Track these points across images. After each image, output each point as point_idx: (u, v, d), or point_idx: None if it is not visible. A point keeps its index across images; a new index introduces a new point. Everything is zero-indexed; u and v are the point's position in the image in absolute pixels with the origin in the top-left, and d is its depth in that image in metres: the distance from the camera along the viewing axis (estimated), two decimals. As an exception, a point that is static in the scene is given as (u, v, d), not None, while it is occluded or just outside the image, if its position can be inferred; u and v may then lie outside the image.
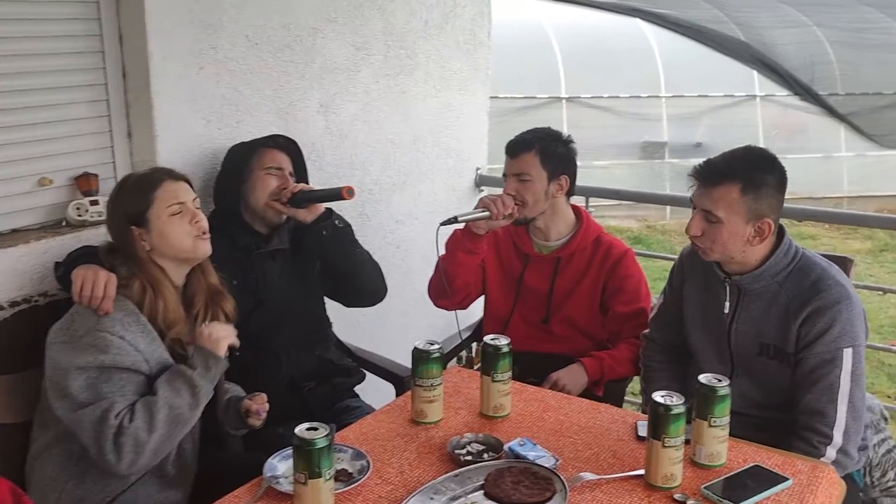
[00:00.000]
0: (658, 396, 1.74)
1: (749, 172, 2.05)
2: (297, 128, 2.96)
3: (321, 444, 1.60)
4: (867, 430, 3.31)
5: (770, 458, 1.86)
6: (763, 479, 1.76)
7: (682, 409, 1.72)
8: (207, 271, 2.14)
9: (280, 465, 1.81)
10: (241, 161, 2.50)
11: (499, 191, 2.70)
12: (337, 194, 2.47)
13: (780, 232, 2.14)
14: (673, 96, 10.39)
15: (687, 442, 1.83)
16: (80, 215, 2.35)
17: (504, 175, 2.68)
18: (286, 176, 2.51)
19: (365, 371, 2.75)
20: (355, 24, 3.11)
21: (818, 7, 12.50)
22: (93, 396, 1.86)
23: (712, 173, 2.07)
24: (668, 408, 1.71)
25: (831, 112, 10.41)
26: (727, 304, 2.18)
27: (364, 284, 2.65)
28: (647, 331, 2.49)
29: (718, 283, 2.20)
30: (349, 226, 2.60)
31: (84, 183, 2.39)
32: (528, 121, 10.17)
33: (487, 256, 2.75)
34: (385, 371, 2.72)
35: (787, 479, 1.76)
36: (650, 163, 10.34)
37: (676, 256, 2.45)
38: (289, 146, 2.59)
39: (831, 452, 2.02)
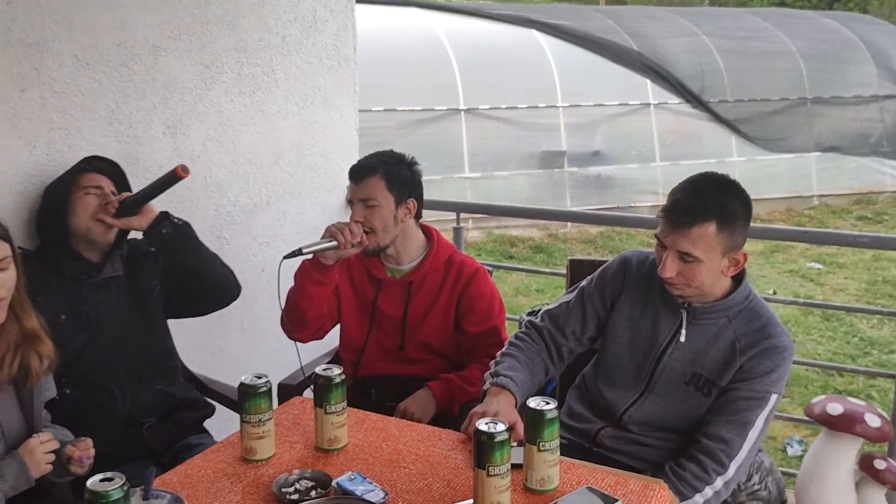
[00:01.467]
0: (482, 424, 1.68)
1: (722, 208, 1.99)
2: (140, 150, 2.83)
3: (115, 496, 1.48)
4: None
5: (604, 479, 1.82)
6: (591, 502, 1.71)
7: (505, 437, 1.66)
8: (23, 316, 2.00)
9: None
10: (58, 190, 2.36)
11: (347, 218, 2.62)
12: (171, 177, 2.37)
13: (742, 273, 2.12)
14: (570, 106, 10.53)
15: (520, 467, 1.78)
16: None
17: (349, 201, 2.61)
18: (107, 194, 2.38)
19: (215, 404, 2.62)
20: (202, 41, 2.99)
21: (708, 17, 12.88)
22: None
23: (686, 214, 1.99)
24: (490, 435, 1.65)
25: (719, 119, 10.70)
26: (670, 329, 2.14)
27: (217, 280, 2.55)
28: (534, 318, 2.36)
29: (667, 306, 2.15)
30: (188, 224, 2.49)
31: None
32: (428, 132, 10.25)
33: (341, 283, 2.66)
34: (235, 402, 2.59)
35: (616, 500, 1.72)
36: (550, 172, 10.44)
37: (609, 260, 2.34)
38: (107, 167, 2.46)
39: (719, 482, 2.03)
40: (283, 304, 2.58)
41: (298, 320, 2.58)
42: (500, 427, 1.67)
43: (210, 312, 2.67)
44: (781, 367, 2.06)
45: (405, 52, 10.18)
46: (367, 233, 2.50)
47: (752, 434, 2.04)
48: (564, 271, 2.74)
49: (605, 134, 10.74)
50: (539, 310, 2.50)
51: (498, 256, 8.81)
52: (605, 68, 10.84)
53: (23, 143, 2.45)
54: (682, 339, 2.13)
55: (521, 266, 7.58)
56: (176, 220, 2.42)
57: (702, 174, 2.09)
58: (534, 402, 1.77)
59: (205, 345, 3.19)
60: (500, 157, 10.40)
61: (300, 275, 2.57)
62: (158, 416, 2.41)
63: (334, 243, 2.45)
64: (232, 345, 3.32)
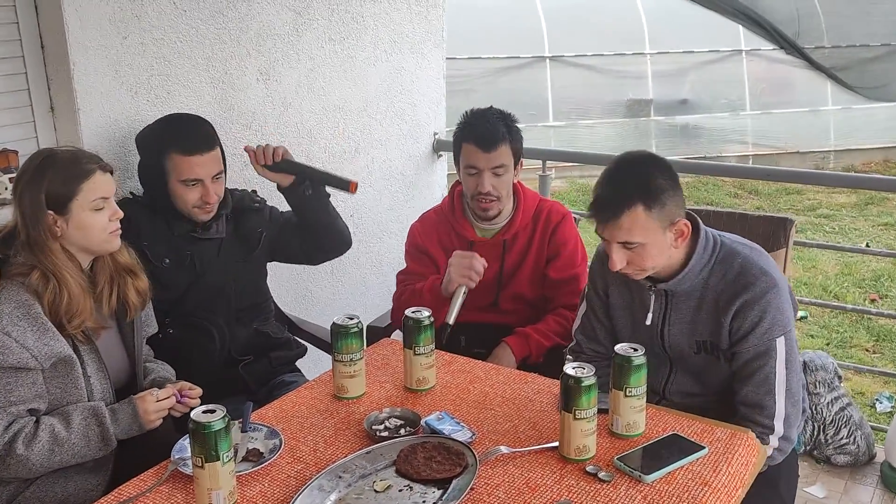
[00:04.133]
0: (569, 368, 1.70)
1: (642, 188, 1.93)
2: (234, 97, 2.89)
3: (216, 426, 1.56)
4: (820, 387, 3.29)
5: (690, 426, 1.82)
6: (678, 448, 1.73)
7: (593, 381, 1.68)
8: (116, 251, 2.08)
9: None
10: (154, 161, 2.38)
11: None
12: (341, 184, 2.53)
13: (696, 226, 2.04)
14: (658, 53, 10.26)
15: (606, 412, 1.80)
16: (-1, 193, 2.30)
17: (469, 168, 2.50)
18: (208, 189, 2.37)
19: (307, 344, 2.71)
20: (294, -12, 3.03)
21: (807, -43, 12.28)
22: None
23: (610, 207, 1.95)
24: (578, 380, 1.67)
25: (815, 66, 10.26)
26: (651, 312, 2.09)
27: (341, 234, 2.67)
28: (572, 344, 2.33)
29: (643, 291, 2.11)
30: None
31: (2, 159, 2.34)
32: (513, 80, 10.14)
33: (431, 247, 2.64)
34: (326, 343, 2.68)
35: (702, 447, 1.72)
36: (635, 121, 10.24)
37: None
38: (202, 144, 2.38)
39: (774, 441, 1.99)
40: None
41: None
42: (588, 371, 1.69)
43: (325, 261, 2.81)
44: (770, 311, 1.96)
45: (490, -4, 10.06)
46: (493, 200, 2.49)
47: (779, 385, 1.97)
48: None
49: (694, 82, 10.44)
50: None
51: (581, 206, 8.72)
52: (695, 14, 10.34)
53: (125, 89, 2.53)
54: (671, 313, 2.08)
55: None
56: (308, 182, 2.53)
57: (614, 160, 2.02)
58: (621, 348, 1.78)
59: (296, 288, 3.28)
60: (585, 105, 10.25)
61: (418, 300, 2.41)
62: (254, 354, 2.51)
63: (466, 290, 2.40)
64: (321, 288, 3.41)
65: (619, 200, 1.93)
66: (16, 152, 2.35)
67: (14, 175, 2.28)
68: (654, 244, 1.94)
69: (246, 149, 2.57)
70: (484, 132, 2.47)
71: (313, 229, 2.59)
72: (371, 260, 3.63)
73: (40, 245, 1.92)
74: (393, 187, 3.69)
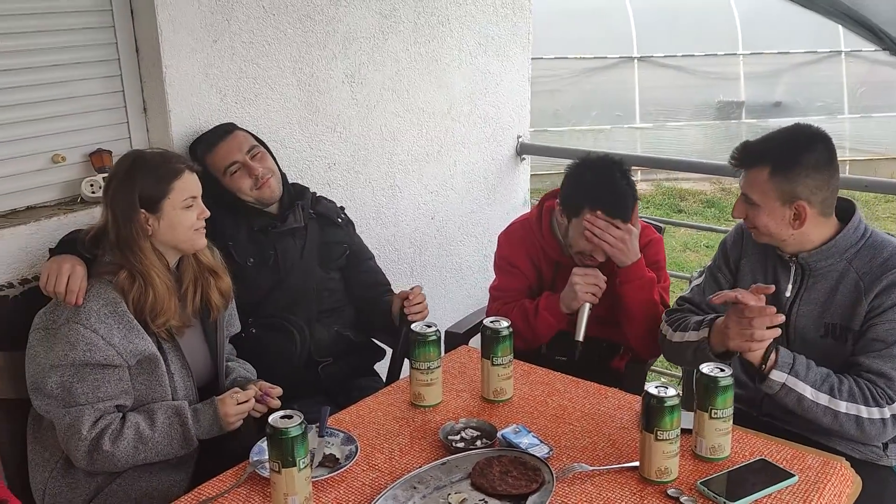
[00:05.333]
0: (651, 388, 1.64)
1: (780, 154, 1.97)
2: (320, 99, 2.92)
3: (294, 433, 1.56)
4: None
5: (780, 452, 1.75)
6: (766, 474, 1.65)
7: (676, 402, 1.62)
8: (200, 252, 2.12)
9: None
10: (204, 173, 2.36)
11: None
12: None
13: (850, 209, 2.04)
14: (751, 53, 9.97)
15: (689, 432, 1.74)
16: (93, 192, 2.37)
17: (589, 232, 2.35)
18: (248, 162, 2.44)
19: (385, 347, 2.71)
20: (381, -8, 3.04)
21: (913, -46, 11.74)
22: (65, 397, 1.89)
23: (745, 156, 2.03)
24: (661, 399, 1.62)
25: (921, 68, 9.81)
26: (790, 286, 2.08)
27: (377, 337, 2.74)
28: (673, 306, 2.33)
29: (781, 263, 2.10)
30: None
31: (97, 160, 2.40)
32: (600, 80, 10.00)
33: (521, 262, 2.56)
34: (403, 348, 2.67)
35: (792, 475, 1.65)
36: (726, 123, 9.98)
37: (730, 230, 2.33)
38: (219, 132, 2.49)
39: (886, 411, 1.92)
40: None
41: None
42: (671, 392, 1.63)
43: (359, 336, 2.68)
44: None
45: (577, -3, 9.94)
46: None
47: None
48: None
49: (789, 84, 10.11)
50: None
51: (666, 210, 8.55)
52: (792, 13, 10.09)
53: (215, 91, 2.58)
54: (805, 292, 2.06)
55: (692, 223, 7.35)
56: None
57: (789, 126, 2.05)
58: (707, 368, 1.71)
59: (375, 289, 3.29)
60: (673, 106, 10.04)
61: (534, 319, 2.45)
62: (334, 356, 2.52)
63: (591, 307, 2.37)
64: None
65: (753, 155, 2.01)
66: (110, 152, 2.41)
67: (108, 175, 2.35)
68: (768, 210, 1.99)
69: None
70: (613, 203, 2.33)
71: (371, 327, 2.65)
72: (451, 263, 3.61)
73: (131, 244, 1.96)
74: (475, 191, 3.67)
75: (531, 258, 2.54)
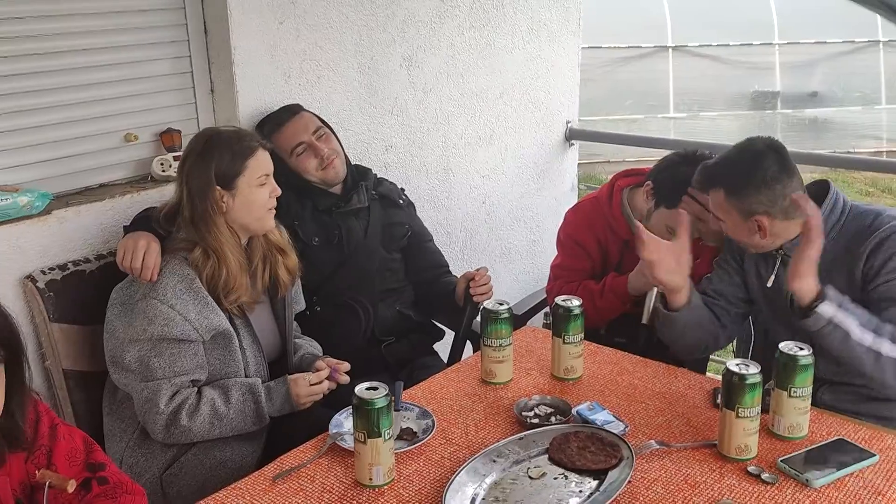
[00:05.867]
0: (732, 365, 1.65)
1: (731, 176, 2.06)
2: (379, 82, 2.94)
3: (380, 404, 1.59)
4: None
5: (857, 432, 1.75)
6: (846, 453, 1.66)
7: (757, 379, 1.63)
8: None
9: (346, 422, 1.82)
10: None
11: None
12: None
13: (826, 187, 2.09)
14: (787, 43, 9.90)
15: (766, 411, 1.75)
16: (163, 171, 2.41)
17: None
18: (314, 143, 2.48)
19: (444, 328, 2.73)
20: (439, -24, 3.05)
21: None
22: (143, 372, 1.94)
23: (703, 180, 2.15)
24: (742, 377, 1.63)
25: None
26: (774, 275, 2.12)
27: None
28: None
29: (770, 257, 2.14)
30: None
31: (168, 139, 2.44)
32: (633, 70, 9.96)
33: (586, 239, 2.57)
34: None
35: (873, 454, 1.65)
36: (761, 113, 9.92)
37: None
38: (285, 113, 2.54)
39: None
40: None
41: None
42: (752, 369, 1.64)
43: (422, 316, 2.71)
44: None
45: (613, -15, 9.89)
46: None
47: None
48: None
49: (825, 73, 10.03)
50: None
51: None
52: (829, 2, 10.05)
53: (280, 72, 2.61)
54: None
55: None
56: None
57: (740, 143, 2.11)
58: (786, 347, 1.72)
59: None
60: (708, 96, 9.99)
61: (600, 299, 2.48)
62: (396, 335, 2.55)
63: (657, 290, 2.32)
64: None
65: (707, 179, 2.12)
66: (179, 132, 2.45)
67: (178, 154, 2.39)
68: (733, 227, 2.09)
69: None
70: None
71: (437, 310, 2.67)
72: (500, 248, 3.63)
73: (206, 220, 2.00)
74: (524, 175, 3.68)
75: (597, 236, 2.55)
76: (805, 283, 1.89)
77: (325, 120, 2.59)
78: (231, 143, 2.04)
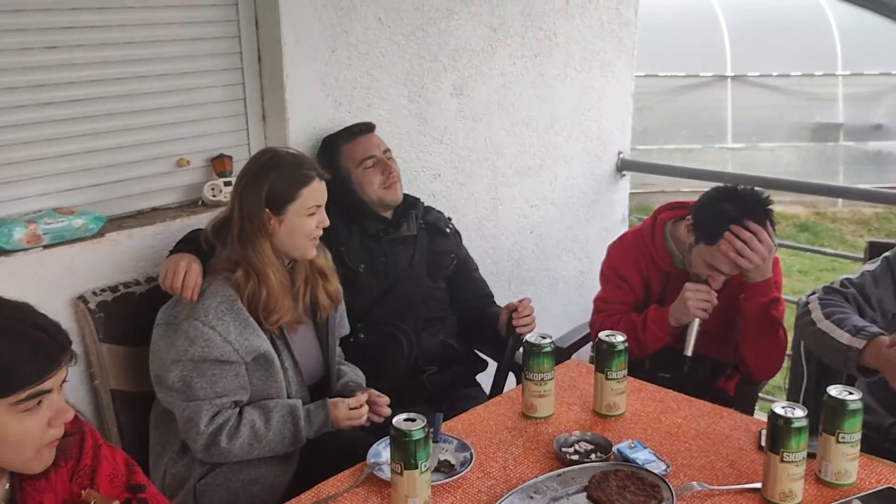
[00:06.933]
0: (778, 408, 1.61)
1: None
2: (428, 111, 2.96)
3: (417, 436, 1.58)
4: None
5: (908, 481, 1.69)
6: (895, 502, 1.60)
7: (804, 423, 1.58)
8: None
9: (384, 452, 1.81)
10: (333, 164, 2.49)
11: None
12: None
13: None
14: (851, 74, 9.67)
15: (813, 456, 1.69)
16: (214, 195, 2.45)
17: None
18: (384, 160, 2.54)
19: (487, 359, 2.72)
20: (492, 5, 3.06)
21: None
22: (185, 391, 1.96)
23: None
24: (788, 420, 1.58)
25: None
26: None
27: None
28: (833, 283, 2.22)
29: None
30: None
31: (219, 164, 2.48)
32: (690, 99, 9.84)
33: (629, 272, 2.55)
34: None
35: (925, 506, 1.59)
36: (822, 146, 9.70)
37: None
38: (362, 127, 2.61)
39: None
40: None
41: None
42: (799, 412, 1.60)
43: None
44: None
45: (671, 13, 9.79)
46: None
47: None
48: (848, 253, 2.54)
49: (891, 106, 9.76)
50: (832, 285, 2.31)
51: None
52: (895, 33, 9.84)
53: (331, 100, 2.64)
54: None
55: (792, 244, 7.14)
56: None
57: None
58: (835, 391, 1.67)
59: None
60: (767, 127, 9.80)
61: (642, 332, 2.45)
62: (438, 365, 2.54)
63: (700, 323, 2.37)
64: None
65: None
66: (230, 157, 2.49)
67: (229, 179, 2.43)
68: None
69: None
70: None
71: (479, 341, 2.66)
72: (548, 278, 3.61)
73: (252, 240, 2.02)
74: (574, 206, 3.65)
75: (640, 269, 2.53)
76: None
77: (375, 148, 2.62)
78: (289, 168, 2.05)
